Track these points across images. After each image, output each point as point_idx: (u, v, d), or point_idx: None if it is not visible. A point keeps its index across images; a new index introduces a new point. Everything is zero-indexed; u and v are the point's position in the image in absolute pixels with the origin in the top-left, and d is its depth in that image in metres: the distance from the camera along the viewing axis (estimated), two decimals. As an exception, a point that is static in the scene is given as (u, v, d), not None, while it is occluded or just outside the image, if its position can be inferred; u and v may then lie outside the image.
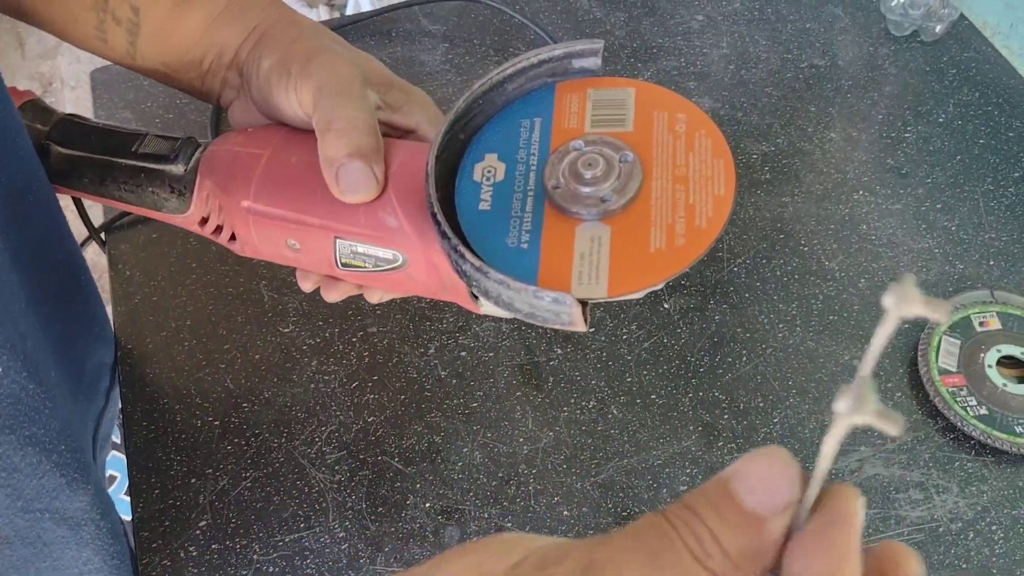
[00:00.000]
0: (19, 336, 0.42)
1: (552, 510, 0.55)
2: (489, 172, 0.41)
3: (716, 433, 0.58)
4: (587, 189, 0.40)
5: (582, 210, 0.39)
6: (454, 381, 0.61)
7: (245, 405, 0.60)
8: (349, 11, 1.62)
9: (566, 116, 0.42)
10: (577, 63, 0.43)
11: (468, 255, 0.37)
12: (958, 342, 0.60)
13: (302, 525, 0.55)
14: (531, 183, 0.41)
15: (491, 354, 0.62)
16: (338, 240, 0.43)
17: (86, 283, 0.57)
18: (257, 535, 0.55)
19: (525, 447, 0.58)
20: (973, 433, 0.56)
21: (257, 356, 0.62)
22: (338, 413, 0.59)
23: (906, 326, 0.62)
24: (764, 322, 0.63)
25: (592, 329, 0.38)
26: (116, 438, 0.75)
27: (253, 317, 0.64)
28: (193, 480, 0.57)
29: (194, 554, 0.54)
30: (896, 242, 0.66)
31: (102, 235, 0.68)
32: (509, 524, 0.55)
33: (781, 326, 0.62)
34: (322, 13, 1.85)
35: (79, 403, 0.57)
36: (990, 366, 0.58)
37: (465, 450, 0.58)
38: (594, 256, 0.38)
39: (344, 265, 0.44)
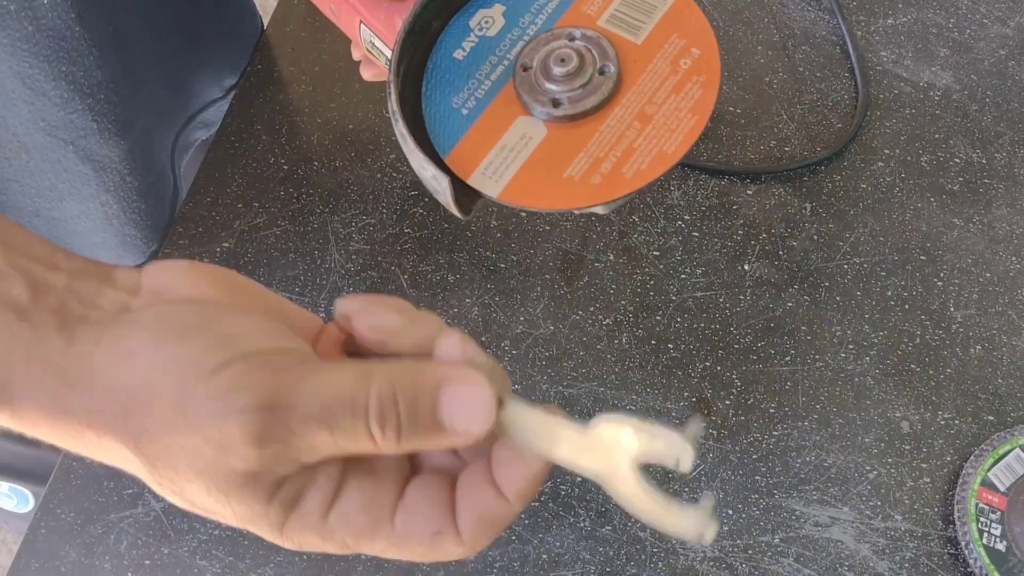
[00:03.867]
0: None
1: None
2: (487, 23, 0.39)
3: (706, 412, 0.53)
4: (548, 84, 0.36)
5: (532, 102, 0.36)
6: (499, 235, 0.59)
7: (316, 164, 0.62)
8: None
9: None
10: None
11: (394, 95, 0.36)
12: (1029, 464, 0.50)
13: (296, 291, 0.58)
14: (513, 52, 0.38)
15: (547, 227, 0.59)
16: (363, 25, 0.42)
17: None
18: (259, 278, 0.58)
19: (520, 327, 0.56)
20: (972, 561, 0.48)
21: (351, 126, 0.63)
22: (384, 211, 0.60)
23: (989, 418, 0.52)
24: (836, 334, 0.55)
25: (468, 218, 0.36)
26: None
27: (369, 87, 0.64)
28: (240, 205, 0.61)
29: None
30: (1050, 327, 0.54)
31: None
32: (462, 385, 0.54)
33: (851, 347, 0.54)
34: None
35: (172, 78, 0.61)
36: (1045, 508, 0.48)
37: (467, 300, 0.57)
38: (514, 152, 0.36)
39: (368, 51, 0.43)
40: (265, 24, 0.69)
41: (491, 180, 0.35)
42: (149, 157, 0.59)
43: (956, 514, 0.49)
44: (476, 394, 0.28)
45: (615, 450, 0.29)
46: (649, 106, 0.36)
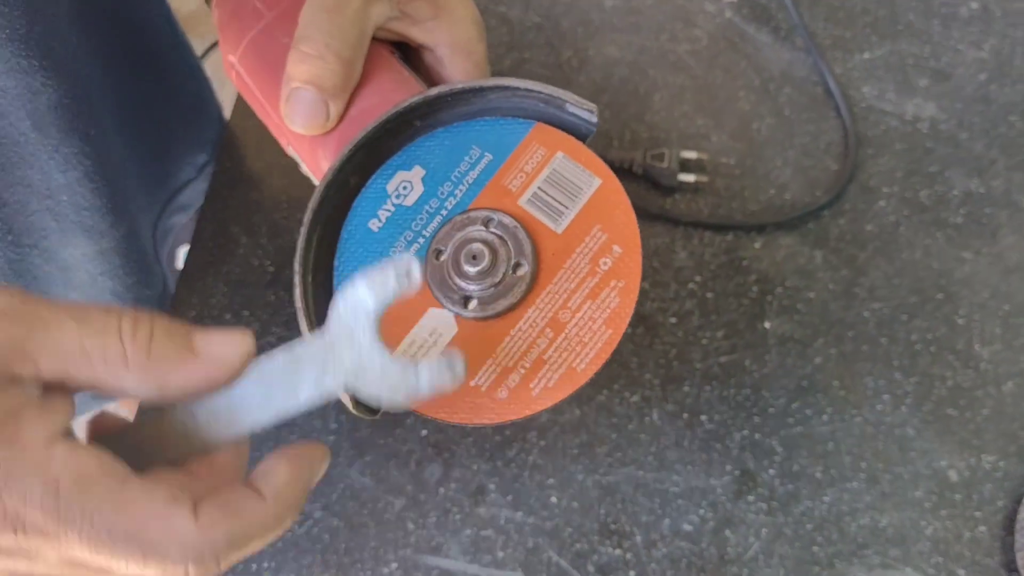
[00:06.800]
0: (31, 91, 0.42)
1: (541, 490, 0.51)
2: (405, 188, 0.36)
3: (752, 485, 0.51)
4: (459, 280, 0.34)
5: (443, 297, 0.34)
6: (508, 318, 0.56)
7: (303, 262, 0.58)
8: None
9: (516, 170, 0.36)
10: (572, 109, 0.36)
11: (298, 282, 0.34)
12: (1086, 502, 0.49)
13: (302, 402, 0.54)
14: (429, 228, 0.35)
15: (558, 305, 0.57)
16: (289, 148, 0.39)
17: (174, 48, 0.58)
18: (259, 394, 0.54)
19: (545, 415, 0.53)
20: (1047, 613, 0.46)
21: (335, 218, 0.60)
22: (384, 305, 0.57)
23: (1035, 456, 0.51)
24: (869, 385, 0.53)
25: (375, 418, 0.35)
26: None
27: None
28: (227, 316, 0.57)
29: (199, 387, 0.55)
30: (1076, 354, 0.54)
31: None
32: (493, 485, 0.51)
33: (887, 397, 0.53)
34: None
35: (145, 166, 0.58)
36: (1109, 547, 0.47)
37: (486, 393, 0.54)
38: (423, 350, 0.33)
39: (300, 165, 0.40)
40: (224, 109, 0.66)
41: None
42: (127, 256, 0.55)
43: (1019, 562, 0.48)
44: (235, 332, 0.29)
45: (355, 324, 0.29)
46: (563, 311, 0.34)
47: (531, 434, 0.53)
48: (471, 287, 0.34)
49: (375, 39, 0.37)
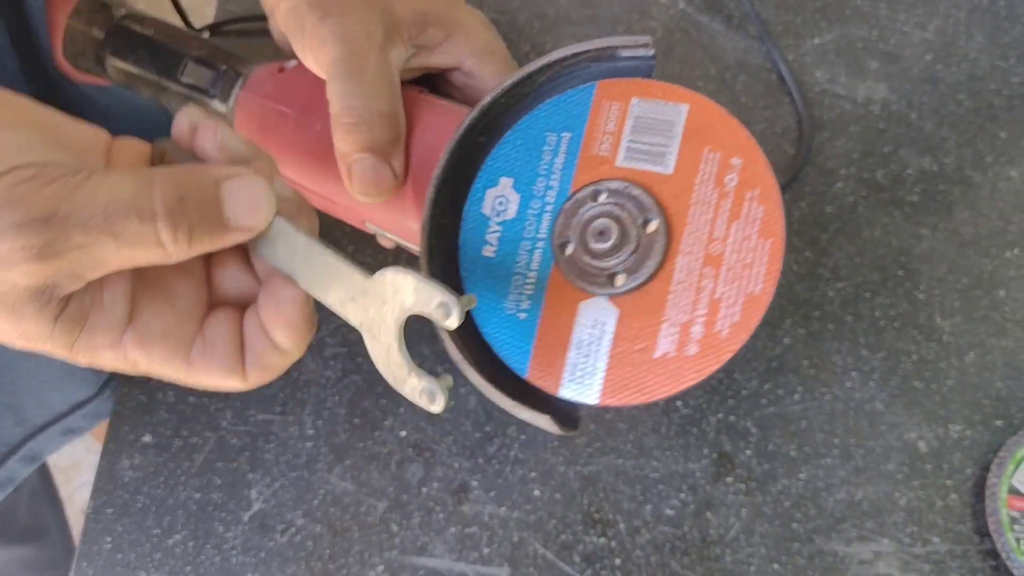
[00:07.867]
0: None
1: (524, 484, 0.51)
2: (501, 204, 0.35)
3: (730, 466, 0.52)
4: (596, 261, 0.33)
5: (588, 285, 0.33)
6: (480, 314, 0.56)
7: (271, 269, 0.58)
8: None
9: (599, 135, 0.34)
10: (626, 53, 0.34)
11: (450, 344, 0.33)
12: (1050, 465, 0.50)
13: (278, 409, 0.53)
14: (542, 229, 0.34)
15: (529, 299, 0.57)
16: (367, 224, 0.38)
17: None
18: (233, 403, 0.54)
19: (523, 409, 0.53)
20: (1016, 571, 0.48)
21: (301, 222, 0.59)
22: (355, 308, 0.57)
23: (998, 423, 0.53)
24: (837, 363, 0.55)
25: (578, 431, 0.35)
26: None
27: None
28: (196, 327, 0.56)
29: (171, 399, 0.54)
30: (1033, 323, 0.56)
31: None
32: (476, 482, 0.51)
33: (855, 374, 0.54)
34: None
35: None
36: (1075, 507, 0.49)
37: (463, 390, 0.54)
38: (593, 347, 0.32)
39: (382, 236, 0.40)
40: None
41: (583, 386, 0.32)
42: None
43: (991, 527, 0.49)
44: (255, 186, 0.29)
45: (390, 301, 0.30)
46: (713, 244, 0.32)
47: (511, 429, 0.53)
48: (611, 262, 0.33)
49: (402, 83, 0.37)
